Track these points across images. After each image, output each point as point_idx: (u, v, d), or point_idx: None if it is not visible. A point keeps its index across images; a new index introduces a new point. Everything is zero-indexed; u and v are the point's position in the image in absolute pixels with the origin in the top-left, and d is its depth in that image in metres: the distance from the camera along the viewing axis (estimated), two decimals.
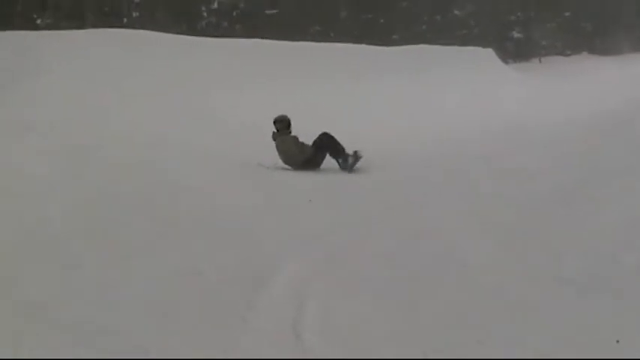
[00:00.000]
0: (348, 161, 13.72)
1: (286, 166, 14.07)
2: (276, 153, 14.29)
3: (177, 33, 25.40)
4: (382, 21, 47.81)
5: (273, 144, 14.49)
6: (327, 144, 14.23)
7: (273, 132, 14.65)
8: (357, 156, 13.73)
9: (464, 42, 43.08)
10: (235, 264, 6.94)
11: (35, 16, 34.48)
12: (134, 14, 38.92)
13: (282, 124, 14.63)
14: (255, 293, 5.96)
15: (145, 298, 6.02)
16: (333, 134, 14.24)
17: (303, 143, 14.42)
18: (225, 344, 5.06)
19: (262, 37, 28.94)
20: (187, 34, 26.27)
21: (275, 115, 14.85)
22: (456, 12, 53.31)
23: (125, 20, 37.36)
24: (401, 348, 4.94)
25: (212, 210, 9.82)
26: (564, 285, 6.01)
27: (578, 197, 9.89)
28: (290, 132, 14.64)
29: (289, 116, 14.70)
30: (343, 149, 13.95)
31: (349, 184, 12.47)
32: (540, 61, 54.12)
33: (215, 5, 42.12)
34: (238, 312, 5.60)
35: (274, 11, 43.36)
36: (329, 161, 13.99)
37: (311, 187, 12.13)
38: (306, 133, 14.52)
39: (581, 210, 8.98)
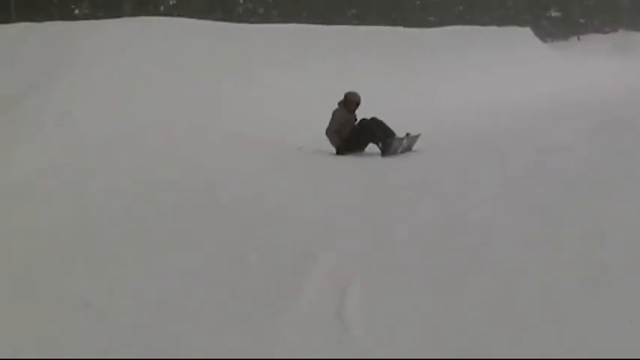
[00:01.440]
0: (392, 144, 13.45)
1: (328, 147, 14.02)
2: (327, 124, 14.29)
3: (214, 20, 25.45)
4: (418, 3, 47.71)
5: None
6: (370, 125, 13.94)
7: (340, 102, 14.58)
8: (408, 138, 13.65)
9: (501, 22, 42.90)
10: (277, 247, 6.94)
11: (73, 6, 34.73)
12: (170, 2, 39.13)
13: (352, 103, 14.52)
14: (297, 281, 5.94)
15: (182, 290, 6.02)
16: (380, 120, 13.95)
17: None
18: (271, 333, 5.05)
19: (298, 22, 28.93)
20: (223, 21, 26.29)
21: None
22: None
23: (162, 8, 37.57)
24: (438, 343, 4.90)
25: (252, 196, 9.83)
26: (606, 274, 5.92)
27: (611, 175, 9.76)
28: (354, 113, 14.46)
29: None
30: (392, 132, 13.76)
31: (386, 168, 12.38)
32: (579, 38, 53.78)
33: None
34: (283, 300, 5.59)
35: None
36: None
37: (348, 172, 12.07)
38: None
39: (621, 190, 8.87)
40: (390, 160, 12.75)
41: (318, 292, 5.67)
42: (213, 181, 10.91)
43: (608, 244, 6.41)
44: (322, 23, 28.22)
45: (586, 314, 4.97)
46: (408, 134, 13.60)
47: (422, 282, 5.86)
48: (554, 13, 55.94)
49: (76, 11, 34.01)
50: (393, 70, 23.23)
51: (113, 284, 6.22)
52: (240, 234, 7.69)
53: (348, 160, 13.11)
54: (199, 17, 25.38)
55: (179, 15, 26.67)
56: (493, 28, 35.51)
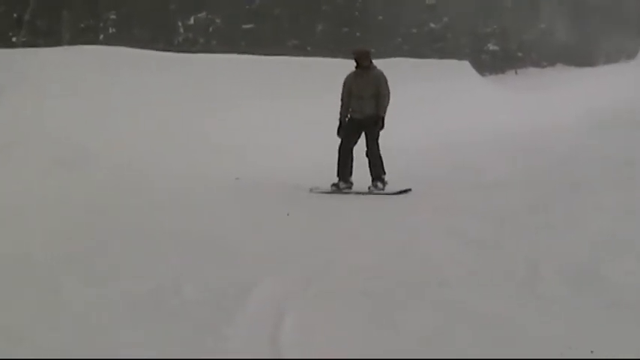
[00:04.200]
0: (377, 186, 13.24)
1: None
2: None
3: (154, 49, 25.36)
4: (358, 34, 47.90)
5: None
6: (340, 151, 13.58)
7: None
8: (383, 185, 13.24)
9: (440, 55, 43.26)
10: (216, 280, 6.94)
11: (11, 34, 34.41)
12: (110, 30, 38.91)
13: (356, 60, 14.06)
14: (235, 309, 5.96)
15: (123, 317, 6.02)
16: (380, 156, 13.48)
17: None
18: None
19: (239, 52, 28.93)
20: (164, 50, 26.21)
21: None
22: (432, 25, 53.60)
23: (101, 37, 37.34)
24: None
25: (195, 227, 9.83)
26: (541, 298, 6.05)
27: (556, 208, 9.98)
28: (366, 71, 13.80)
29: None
30: (345, 176, 13.49)
31: (330, 199, 12.51)
32: (516, 72, 54.41)
33: (191, 21, 42.16)
34: (218, 328, 5.60)
35: (250, 26, 43.42)
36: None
37: (292, 201, 12.13)
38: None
39: (559, 221, 9.06)
40: (338, 197, 12.87)
41: (253, 321, 5.71)
42: (154, 211, 10.90)
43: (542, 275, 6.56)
44: (262, 53, 28.25)
45: (522, 343, 5.07)
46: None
47: (359, 310, 5.91)
48: (492, 47, 56.54)
49: (14, 39, 33.70)
50: (333, 101, 23.30)
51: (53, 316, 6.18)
52: (181, 265, 7.68)
53: (288, 190, 13.17)
54: (139, 46, 25.28)
55: (119, 44, 26.52)
56: (432, 61, 35.79)
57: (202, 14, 42.40)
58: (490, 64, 55.11)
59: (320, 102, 22.27)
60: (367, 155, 13.46)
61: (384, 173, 13.33)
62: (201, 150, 16.17)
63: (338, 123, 13.84)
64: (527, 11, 57.21)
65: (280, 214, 10.73)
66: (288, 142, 17.94)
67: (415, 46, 47.98)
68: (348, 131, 13.66)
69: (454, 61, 36.17)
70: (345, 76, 14.12)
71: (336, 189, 13.35)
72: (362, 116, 13.56)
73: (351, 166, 13.58)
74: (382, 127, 13.49)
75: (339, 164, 13.52)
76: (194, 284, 6.81)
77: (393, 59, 33.77)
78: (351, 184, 13.48)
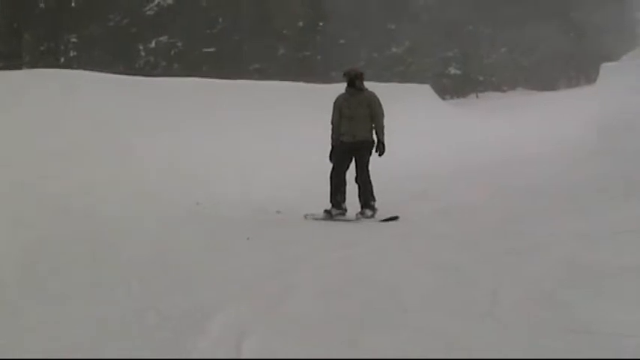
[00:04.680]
0: (364, 214, 12.81)
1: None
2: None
3: (115, 72, 25.29)
4: (319, 58, 48.09)
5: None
6: (332, 175, 13.17)
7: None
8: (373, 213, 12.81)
9: (402, 79, 43.48)
10: (178, 306, 6.90)
11: None
12: (71, 54, 38.83)
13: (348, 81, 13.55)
14: (197, 335, 5.94)
15: (81, 344, 5.97)
16: (370, 182, 13.08)
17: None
18: None
19: (200, 76, 28.93)
20: (125, 74, 26.14)
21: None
22: (394, 49, 53.89)
23: (62, 60, 37.24)
24: None
25: (156, 252, 9.79)
26: (501, 323, 6.08)
27: (519, 234, 10.02)
28: (358, 92, 13.44)
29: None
30: (338, 202, 13.06)
31: (289, 223, 12.48)
32: (477, 96, 54.77)
33: (153, 44, 42.15)
34: (180, 353, 5.58)
35: (212, 49, 43.45)
36: None
37: (254, 225, 12.10)
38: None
39: (522, 247, 9.10)
40: (305, 222, 12.87)
41: (215, 346, 5.71)
42: (115, 236, 10.84)
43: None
44: (224, 77, 28.25)
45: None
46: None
47: (320, 335, 5.89)
48: (453, 71, 56.94)
49: None
50: (295, 125, 23.30)
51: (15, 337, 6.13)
52: (142, 291, 7.64)
53: (247, 213, 13.15)
54: (100, 70, 25.22)
55: (79, 67, 26.46)
56: (393, 85, 35.91)
57: (164, 38, 42.42)
58: (451, 87, 55.46)
59: (283, 125, 22.32)
60: (357, 181, 13.10)
61: (374, 200, 12.94)
62: (164, 174, 16.10)
63: (330, 147, 13.43)
64: (489, 35, 57.61)
65: (241, 238, 10.69)
66: (251, 166, 17.92)
67: (377, 70, 48.17)
68: (338, 156, 13.28)
69: (415, 85, 36.36)
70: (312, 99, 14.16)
71: (328, 216, 12.96)
72: (352, 139, 13.15)
73: (344, 192, 13.17)
74: (384, 151, 13.09)
75: (331, 190, 13.12)
76: (156, 310, 6.77)
77: None
78: (345, 210, 13.09)
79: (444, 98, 41.69)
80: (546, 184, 14.52)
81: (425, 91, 35.82)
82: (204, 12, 43.32)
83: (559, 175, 15.19)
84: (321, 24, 49.74)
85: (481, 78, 59.57)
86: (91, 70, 24.66)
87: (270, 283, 7.84)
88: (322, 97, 27.69)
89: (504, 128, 29.13)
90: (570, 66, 59.80)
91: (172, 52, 43.04)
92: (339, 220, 12.81)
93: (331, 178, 13.17)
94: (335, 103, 13.66)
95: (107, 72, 24.38)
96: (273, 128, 22.07)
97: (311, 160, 19.04)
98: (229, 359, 5.47)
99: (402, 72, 49.25)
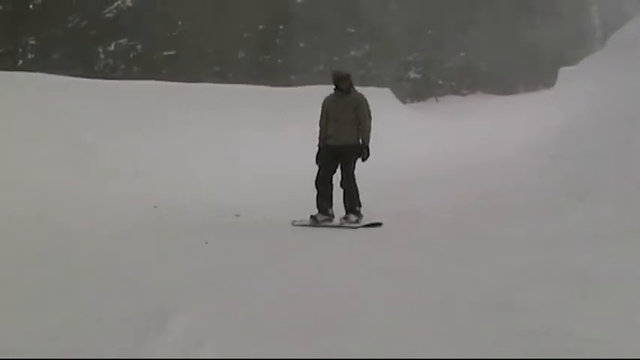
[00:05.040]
0: (348, 219, 12.50)
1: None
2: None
3: (74, 75, 25.11)
4: (280, 62, 48.05)
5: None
6: (317, 181, 12.90)
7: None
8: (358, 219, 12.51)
9: (362, 82, 43.49)
10: (135, 311, 6.86)
11: None
12: (29, 56, 38.47)
13: (336, 83, 13.16)
14: (155, 339, 5.91)
15: (39, 349, 5.92)
16: (355, 187, 12.77)
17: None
18: None
19: (160, 79, 28.80)
20: (84, 77, 25.96)
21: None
22: (353, 53, 53.90)
23: (20, 62, 36.91)
24: None
25: (108, 258, 9.72)
26: (456, 326, 6.11)
27: (477, 239, 10.06)
28: (347, 94, 13.06)
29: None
30: (325, 208, 12.81)
31: (248, 227, 12.45)
32: (437, 100, 54.92)
33: (112, 47, 41.85)
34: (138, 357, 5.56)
35: (172, 52, 43.27)
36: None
37: (213, 229, 12.07)
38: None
39: (479, 251, 9.14)
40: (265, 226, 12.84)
41: (172, 350, 5.70)
42: (70, 241, 10.77)
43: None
44: (184, 80, 28.14)
45: None
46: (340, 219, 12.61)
47: (276, 339, 5.89)
48: (413, 75, 57.10)
49: None
50: (255, 128, 23.25)
51: None
52: (99, 295, 7.59)
53: (204, 217, 13.11)
54: (59, 72, 25.01)
55: (38, 70, 26.21)
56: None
57: (123, 40, 42.14)
58: (411, 91, 55.61)
59: (243, 128, 22.28)
60: (342, 186, 12.79)
61: (359, 205, 12.68)
62: (122, 177, 16.04)
63: (317, 149, 13.12)
64: (448, 40, 57.82)
65: (200, 242, 10.66)
66: (210, 169, 17.89)
67: None
68: (324, 159, 12.95)
69: (375, 89, 36.34)
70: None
71: (314, 222, 12.67)
72: (337, 143, 12.79)
73: (331, 197, 12.90)
74: (368, 155, 12.75)
75: (317, 195, 12.85)
76: (114, 314, 6.72)
77: (314, 86, 33.87)
78: (332, 216, 12.82)
79: (404, 102, 41.78)
80: (506, 188, 14.56)
81: (385, 94, 35.87)
82: (164, 15, 43.09)
83: (519, 179, 15.24)
84: (281, 27, 49.70)
85: (441, 82, 59.77)
86: (50, 72, 24.45)
87: (227, 286, 7.82)
88: (282, 101, 27.78)
89: (465, 132, 29.22)
90: (529, 70, 60.11)
91: (132, 55, 42.77)
92: (324, 226, 12.54)
93: (317, 182, 12.93)
94: (323, 104, 13.28)
95: (66, 75, 24.19)
96: (233, 131, 22.03)
97: (271, 162, 19.07)
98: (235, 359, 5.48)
99: (362, 76, 49.16)
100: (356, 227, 12.14)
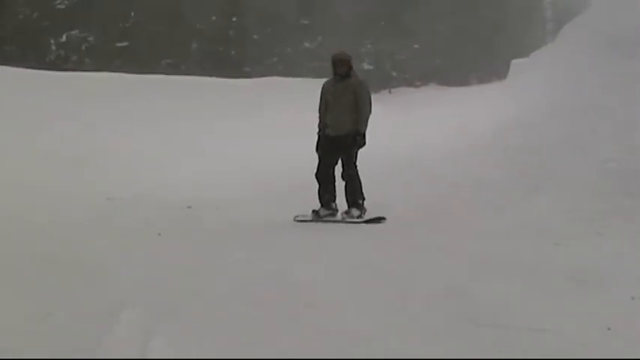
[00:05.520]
0: (350, 213, 12.03)
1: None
2: None
3: (26, 67, 24.92)
4: (233, 53, 47.91)
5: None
6: (318, 175, 12.36)
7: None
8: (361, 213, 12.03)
9: (316, 74, 43.46)
10: (85, 305, 6.79)
11: None
12: None
13: (334, 66, 12.54)
14: (104, 334, 5.86)
15: None
16: (358, 178, 12.24)
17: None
18: None
19: (112, 71, 28.66)
20: (35, 68, 25.78)
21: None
22: (307, 44, 53.83)
23: None
24: None
25: (63, 250, 9.62)
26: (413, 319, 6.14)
27: (430, 231, 10.13)
28: (347, 77, 12.44)
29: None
30: (328, 201, 12.29)
31: (202, 220, 12.39)
32: (390, 92, 55.00)
33: (64, 38, 41.56)
34: (87, 353, 5.50)
35: (125, 44, 43.02)
36: None
37: (167, 221, 12.01)
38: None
39: (436, 244, 9.21)
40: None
41: (122, 344, 5.65)
42: (19, 236, 10.64)
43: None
44: (136, 72, 28.02)
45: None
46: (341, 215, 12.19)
47: (227, 334, 5.87)
48: (366, 66, 57.06)
49: None
50: (209, 119, 23.15)
51: None
52: (49, 290, 7.51)
53: (159, 209, 13.04)
54: (10, 64, 24.81)
55: None
56: (307, 80, 35.87)
57: (75, 32, 41.87)
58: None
59: (196, 120, 22.19)
60: (343, 178, 12.24)
61: (363, 199, 12.17)
62: (75, 170, 15.91)
63: (317, 138, 12.58)
64: (401, 31, 57.89)
65: (152, 235, 10.60)
66: (163, 161, 17.81)
67: (290, 66, 48.12)
68: (323, 150, 12.37)
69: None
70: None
71: (317, 217, 12.12)
72: (335, 133, 12.20)
73: (333, 190, 12.32)
74: (363, 144, 12.12)
75: (318, 189, 12.30)
76: (63, 310, 6.65)
77: (268, 78, 33.87)
78: (335, 210, 12.29)
79: None
80: (461, 180, 14.62)
81: None
82: (116, 6, 42.85)
83: (474, 171, 15.29)
84: (234, 19, 49.55)
85: (394, 73, 59.83)
86: (1, 64, 24.27)
87: (179, 281, 7.78)
88: (236, 92, 27.72)
89: (419, 124, 29.25)
90: (481, 62, 60.31)
91: (84, 47, 42.49)
92: (327, 221, 12.08)
93: (317, 175, 12.38)
94: (321, 90, 12.66)
95: (17, 66, 24.03)
96: (186, 123, 21.94)
97: (226, 154, 19.00)
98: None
99: (315, 67, 49.13)
100: (358, 222, 11.72)
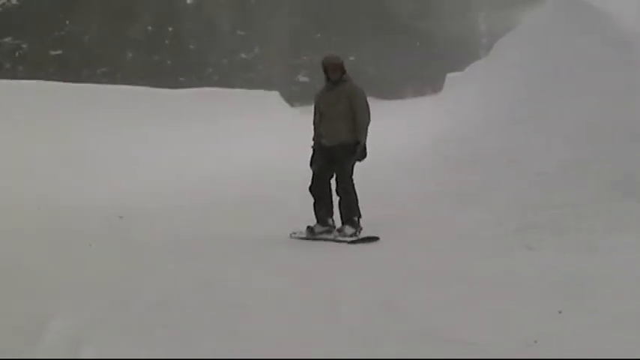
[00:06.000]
0: (343, 231, 10.89)
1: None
2: None
3: None
4: (169, 63, 47.75)
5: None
6: (312, 187, 11.38)
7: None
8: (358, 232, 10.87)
9: (251, 85, 43.46)
10: (14, 314, 6.74)
11: None
12: None
13: (325, 71, 11.51)
14: (33, 343, 5.82)
15: None
16: (353, 193, 11.19)
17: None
18: None
19: (46, 79, 28.40)
20: None
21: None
22: (243, 55, 53.82)
23: None
24: None
25: None
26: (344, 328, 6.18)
27: (364, 243, 10.21)
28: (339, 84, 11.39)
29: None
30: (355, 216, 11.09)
31: (134, 228, 12.32)
32: None
33: None
34: None
35: (59, 52, 42.68)
36: None
37: (94, 230, 11.93)
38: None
39: (368, 255, 9.28)
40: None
41: (51, 353, 5.63)
42: None
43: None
44: (71, 80, 27.80)
45: None
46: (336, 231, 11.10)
47: (157, 344, 5.87)
48: (302, 78, 57.14)
49: None
50: (142, 129, 23.04)
51: None
52: None
53: (93, 220, 12.97)
54: None
55: None
56: (242, 91, 35.89)
57: (8, 39, 41.44)
58: (300, 95, 55.72)
59: (130, 130, 22.09)
60: (337, 192, 11.25)
61: (359, 216, 11.10)
62: (3, 179, 15.75)
63: (312, 152, 11.60)
64: (337, 44, 58.09)
65: (83, 245, 10.53)
66: (95, 170, 17.72)
67: (226, 76, 48.06)
68: (318, 162, 11.38)
69: (264, 92, 36.39)
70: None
71: (311, 234, 11.11)
72: (330, 143, 11.21)
73: (329, 205, 11.33)
74: (364, 156, 11.08)
75: (314, 204, 11.35)
76: None
77: (203, 89, 33.79)
78: (332, 227, 11.24)
79: (292, 105, 41.85)
80: (399, 193, 14.68)
81: (274, 98, 35.94)
82: (51, 14, 42.51)
83: (410, 184, 15.36)
84: (170, 29, 49.42)
85: None
86: None
87: (110, 289, 7.76)
88: (171, 102, 27.61)
89: None
90: (417, 75, 60.68)
91: (17, 54, 42.09)
92: (322, 239, 11.05)
93: (311, 189, 11.41)
94: (314, 100, 11.78)
95: None
96: (120, 132, 21.83)
97: (160, 163, 18.94)
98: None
99: (251, 78, 49.20)
100: (350, 242, 10.63)
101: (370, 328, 6.14)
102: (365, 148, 11.01)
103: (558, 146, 12.67)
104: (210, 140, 23.91)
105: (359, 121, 11.04)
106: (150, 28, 48.42)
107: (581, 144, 12.14)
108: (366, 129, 11.08)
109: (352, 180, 11.15)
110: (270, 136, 26.75)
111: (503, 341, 5.66)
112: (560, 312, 6.24)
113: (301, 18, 56.27)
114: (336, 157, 11.14)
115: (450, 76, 35.13)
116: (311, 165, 11.45)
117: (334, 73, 11.26)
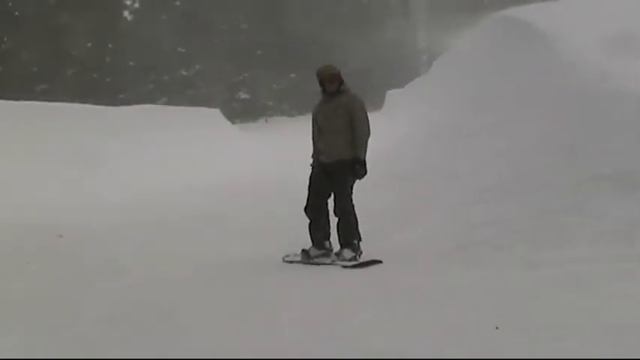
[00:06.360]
0: (342, 255, 9.96)
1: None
2: None
3: None
4: (109, 80, 47.51)
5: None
6: (308, 208, 10.48)
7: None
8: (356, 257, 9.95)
9: (191, 102, 43.36)
10: None
11: None
12: None
13: (320, 82, 10.69)
14: None
15: None
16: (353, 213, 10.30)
17: None
18: None
19: None
20: None
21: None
22: (184, 72, 53.74)
23: None
24: None
25: None
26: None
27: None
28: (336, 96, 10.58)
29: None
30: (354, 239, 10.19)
31: (73, 247, 12.23)
32: (266, 121, 55.19)
33: None
34: None
35: None
36: None
37: (31, 249, 11.83)
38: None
39: (307, 272, 9.29)
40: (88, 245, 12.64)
41: None
42: None
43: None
44: (8, 98, 27.49)
45: None
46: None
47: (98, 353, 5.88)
48: (243, 96, 57.19)
49: None
50: (81, 147, 22.84)
51: None
52: None
53: (32, 236, 12.86)
54: None
55: None
56: (183, 108, 35.72)
57: None
58: (241, 112, 55.70)
59: (67, 148, 21.88)
60: (335, 213, 10.33)
61: (359, 238, 10.22)
62: None
63: (310, 170, 10.74)
64: (277, 61, 58.18)
65: (21, 263, 10.45)
66: (32, 187, 17.54)
67: (166, 93, 47.97)
68: (315, 180, 10.53)
69: (205, 109, 36.25)
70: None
71: (307, 258, 10.26)
72: (329, 159, 10.32)
73: (326, 226, 10.46)
74: (364, 173, 10.22)
75: (309, 226, 10.51)
76: None
77: (144, 106, 33.61)
78: (329, 250, 10.40)
79: (233, 122, 41.79)
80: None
81: (214, 115, 35.82)
82: None
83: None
84: (110, 45, 49.20)
85: (270, 103, 60.06)
86: None
87: (52, 308, 7.71)
88: (110, 119, 27.39)
89: (297, 153, 29.40)
90: (358, 92, 61.01)
91: None
92: (318, 263, 10.18)
93: (306, 209, 10.55)
94: (312, 115, 10.88)
95: None
96: (58, 150, 21.61)
97: (99, 182, 18.80)
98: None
99: (192, 95, 49.12)
100: (349, 266, 9.78)
101: (317, 349, 6.13)
102: (365, 164, 10.18)
103: (499, 162, 12.79)
104: (151, 158, 23.76)
105: (358, 134, 10.19)
106: (89, 44, 48.15)
107: (519, 160, 12.26)
108: (366, 143, 10.25)
109: (352, 200, 10.31)
110: (211, 152, 26.65)
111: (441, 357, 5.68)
112: (497, 328, 6.27)
113: (243, 35, 56.31)
114: (334, 175, 10.29)
115: (390, 92, 35.31)
116: (309, 184, 10.56)
117: (331, 84, 10.50)
